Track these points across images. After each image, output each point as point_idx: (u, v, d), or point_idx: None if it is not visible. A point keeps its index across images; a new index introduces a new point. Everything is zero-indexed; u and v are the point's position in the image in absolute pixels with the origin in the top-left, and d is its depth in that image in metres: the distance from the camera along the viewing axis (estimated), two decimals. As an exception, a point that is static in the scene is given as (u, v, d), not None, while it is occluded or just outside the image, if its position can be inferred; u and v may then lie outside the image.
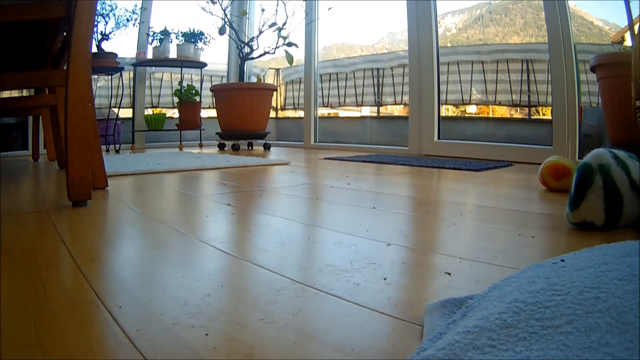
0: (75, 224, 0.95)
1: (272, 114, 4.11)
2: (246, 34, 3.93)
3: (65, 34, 1.50)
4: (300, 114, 4.11)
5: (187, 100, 3.55)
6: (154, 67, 3.89)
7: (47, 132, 2.55)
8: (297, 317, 0.48)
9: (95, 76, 3.43)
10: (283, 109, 4.63)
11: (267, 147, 3.50)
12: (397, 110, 3.90)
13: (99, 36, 3.23)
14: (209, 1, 3.40)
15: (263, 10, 3.47)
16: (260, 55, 3.57)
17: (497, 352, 0.31)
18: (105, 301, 0.52)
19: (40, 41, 1.59)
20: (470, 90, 3.21)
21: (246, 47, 3.53)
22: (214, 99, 3.54)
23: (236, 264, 0.68)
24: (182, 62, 3.50)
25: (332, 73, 4.04)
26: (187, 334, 0.44)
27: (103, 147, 3.19)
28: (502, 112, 3.37)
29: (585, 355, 0.29)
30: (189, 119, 3.57)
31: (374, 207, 1.12)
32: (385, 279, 0.59)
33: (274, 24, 3.39)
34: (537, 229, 0.88)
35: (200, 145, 3.80)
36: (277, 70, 4.64)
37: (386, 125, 3.82)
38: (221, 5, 3.41)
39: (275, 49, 3.44)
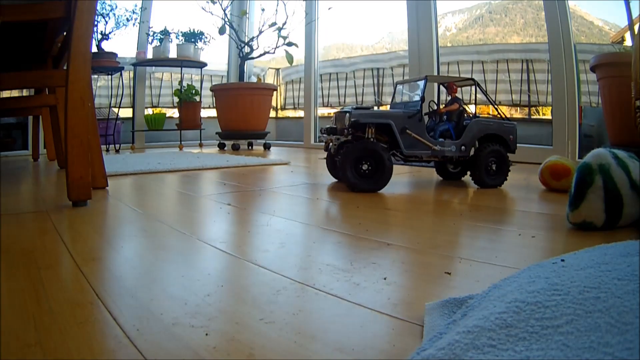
0: (75, 224, 0.95)
1: (272, 113, 4.11)
2: (246, 34, 3.93)
3: (65, 34, 1.50)
4: (300, 113, 4.12)
5: (187, 100, 3.55)
6: (154, 67, 3.89)
7: (47, 132, 2.55)
8: (297, 317, 0.48)
9: (95, 76, 3.43)
10: (283, 108, 4.63)
11: (267, 147, 3.50)
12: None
13: (99, 36, 3.23)
14: (209, 1, 3.40)
15: (263, 10, 3.48)
16: (260, 55, 3.57)
17: (497, 352, 0.31)
18: (105, 301, 0.52)
19: (40, 41, 1.59)
20: (470, 90, 3.21)
21: (246, 47, 3.53)
22: (214, 98, 3.54)
23: (236, 263, 0.68)
24: (182, 62, 3.50)
25: (332, 73, 4.04)
26: (187, 334, 0.44)
27: (103, 147, 3.19)
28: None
29: (585, 355, 0.29)
30: (189, 119, 3.57)
31: (373, 207, 1.12)
32: (385, 279, 0.59)
33: (274, 24, 3.39)
34: (537, 229, 0.88)
35: (200, 145, 3.80)
36: (277, 70, 4.64)
37: (386, 125, 3.81)
38: (221, 5, 3.41)
39: (275, 48, 3.44)
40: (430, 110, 1.60)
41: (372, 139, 1.37)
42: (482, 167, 1.44)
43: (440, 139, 1.47)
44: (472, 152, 1.49)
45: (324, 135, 1.48)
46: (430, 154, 1.43)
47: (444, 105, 1.59)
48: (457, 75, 1.54)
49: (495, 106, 1.58)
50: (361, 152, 1.34)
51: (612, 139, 1.87)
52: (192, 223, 0.99)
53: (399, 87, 1.62)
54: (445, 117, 1.57)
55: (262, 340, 0.43)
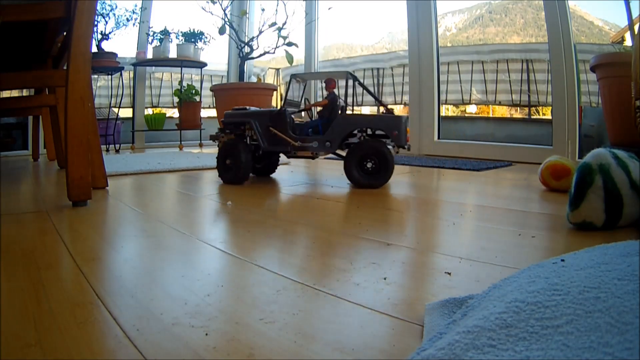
0: (75, 224, 0.95)
1: (272, 113, 4.10)
2: (246, 34, 3.92)
3: (65, 34, 1.50)
4: (300, 113, 4.11)
5: (187, 100, 3.55)
6: (154, 67, 3.89)
7: (47, 132, 2.54)
8: (297, 317, 0.48)
9: (95, 76, 3.43)
10: (283, 109, 4.62)
11: (267, 147, 3.49)
12: (397, 110, 3.91)
13: (99, 36, 3.23)
14: (209, 1, 3.40)
15: (263, 10, 3.47)
16: (260, 55, 3.57)
17: (497, 352, 0.31)
18: (105, 301, 0.52)
19: (40, 41, 1.59)
20: (470, 90, 3.21)
21: (246, 47, 3.53)
22: (214, 98, 3.54)
23: (236, 263, 0.68)
24: (182, 62, 3.49)
25: (332, 73, 4.03)
26: (187, 334, 0.44)
27: (103, 147, 3.18)
28: (502, 112, 3.37)
29: (585, 355, 0.29)
30: (189, 119, 3.57)
31: (374, 207, 1.12)
32: (385, 279, 0.59)
33: (274, 24, 3.39)
34: (537, 229, 0.88)
35: (201, 145, 3.80)
36: (277, 70, 4.64)
37: (386, 125, 3.82)
38: (221, 5, 3.41)
39: (275, 48, 3.44)
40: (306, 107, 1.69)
41: (247, 137, 1.56)
42: (351, 163, 1.42)
43: (307, 136, 1.51)
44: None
45: (218, 134, 1.65)
46: (291, 150, 1.51)
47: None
48: (332, 71, 1.61)
49: (379, 100, 1.60)
50: (228, 149, 1.54)
51: (612, 139, 1.87)
52: (192, 223, 0.99)
53: (295, 85, 1.69)
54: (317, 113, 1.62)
55: (262, 340, 0.43)
